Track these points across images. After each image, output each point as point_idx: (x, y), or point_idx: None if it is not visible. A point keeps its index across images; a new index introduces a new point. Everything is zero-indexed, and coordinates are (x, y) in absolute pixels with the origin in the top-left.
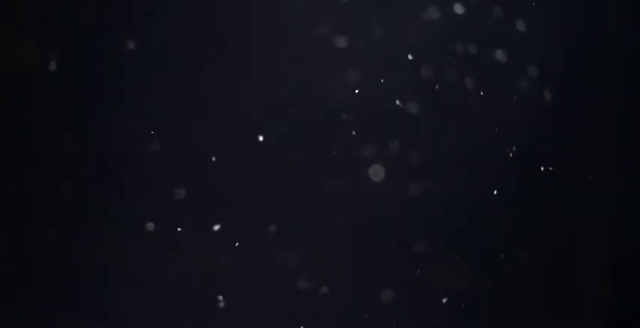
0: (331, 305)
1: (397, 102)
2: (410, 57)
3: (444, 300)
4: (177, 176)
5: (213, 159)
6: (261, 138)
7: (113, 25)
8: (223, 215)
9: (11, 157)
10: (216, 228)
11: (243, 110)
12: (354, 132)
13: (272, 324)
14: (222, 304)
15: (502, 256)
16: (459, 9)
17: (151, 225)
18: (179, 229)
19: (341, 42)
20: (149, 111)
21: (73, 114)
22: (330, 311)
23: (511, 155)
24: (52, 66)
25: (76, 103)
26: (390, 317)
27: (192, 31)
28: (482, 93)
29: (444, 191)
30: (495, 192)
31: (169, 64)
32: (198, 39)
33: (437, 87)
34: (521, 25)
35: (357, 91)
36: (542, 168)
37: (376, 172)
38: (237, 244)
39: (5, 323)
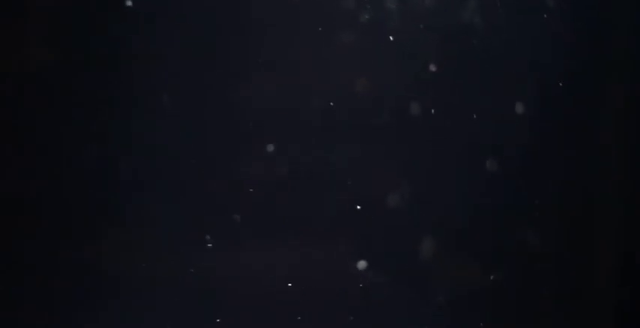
0: (335, 304)
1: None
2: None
3: (450, 299)
4: (179, 177)
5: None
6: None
7: (115, 25)
8: (226, 215)
9: (13, 158)
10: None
11: (246, 112)
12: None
13: (272, 324)
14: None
15: (508, 255)
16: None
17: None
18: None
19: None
20: (149, 110)
21: (74, 115)
22: (332, 309)
23: (519, 153)
24: (54, 66)
25: (76, 104)
26: (394, 314)
27: (195, 31)
28: (484, 93)
29: (448, 189)
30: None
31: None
32: (201, 39)
33: (439, 84)
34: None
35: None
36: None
37: None
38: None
39: (8, 324)
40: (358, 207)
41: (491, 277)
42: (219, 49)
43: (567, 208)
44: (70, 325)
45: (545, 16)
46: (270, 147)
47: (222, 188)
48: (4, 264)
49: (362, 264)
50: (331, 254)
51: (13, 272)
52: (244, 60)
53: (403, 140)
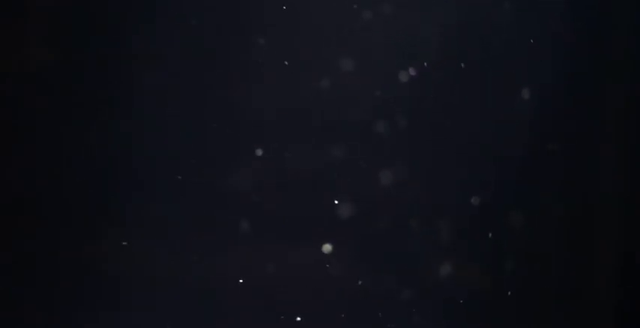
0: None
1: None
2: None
3: (450, 299)
4: (179, 177)
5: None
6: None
7: (114, 25)
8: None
9: (13, 158)
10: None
11: (246, 112)
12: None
13: (271, 324)
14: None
15: (508, 255)
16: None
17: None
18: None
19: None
20: (149, 110)
21: (74, 115)
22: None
23: (519, 153)
24: (54, 66)
25: (76, 104)
26: (394, 314)
27: (195, 31)
28: (484, 92)
29: (448, 188)
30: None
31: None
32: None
33: (438, 84)
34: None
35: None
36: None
37: None
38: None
39: (8, 324)
40: (335, 202)
41: (491, 277)
42: (219, 49)
43: (567, 208)
44: (70, 325)
45: (545, 16)
46: (270, 148)
47: (222, 188)
48: (4, 264)
49: (327, 248)
50: (331, 254)
51: (13, 272)
52: (244, 60)
53: (402, 140)
